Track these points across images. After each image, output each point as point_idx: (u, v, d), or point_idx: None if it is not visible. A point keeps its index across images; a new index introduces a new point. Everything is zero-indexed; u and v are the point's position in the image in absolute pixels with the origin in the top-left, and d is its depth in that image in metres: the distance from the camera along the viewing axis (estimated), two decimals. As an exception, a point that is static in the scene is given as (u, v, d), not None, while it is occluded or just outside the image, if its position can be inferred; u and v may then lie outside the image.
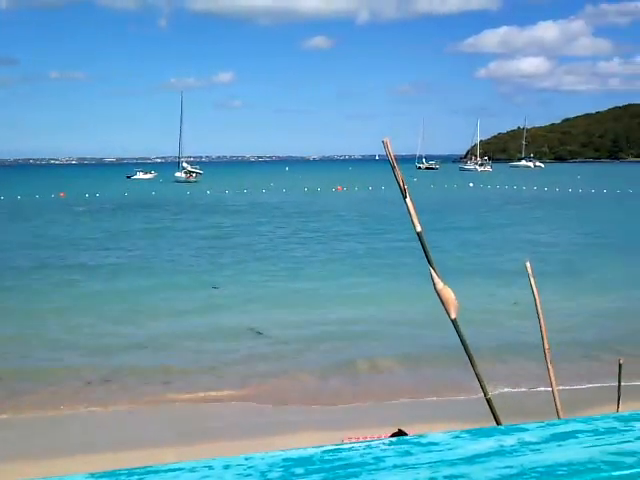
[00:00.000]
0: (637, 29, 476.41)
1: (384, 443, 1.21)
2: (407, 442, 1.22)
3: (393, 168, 3.09)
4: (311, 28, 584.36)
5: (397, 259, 23.67)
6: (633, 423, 1.63)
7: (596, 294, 18.45)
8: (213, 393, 11.66)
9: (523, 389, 11.11)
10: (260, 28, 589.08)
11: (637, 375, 9.05)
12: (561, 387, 10.83)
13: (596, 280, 20.78)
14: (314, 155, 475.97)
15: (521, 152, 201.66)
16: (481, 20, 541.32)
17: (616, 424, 1.63)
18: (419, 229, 3.10)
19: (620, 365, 3.72)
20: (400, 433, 5.83)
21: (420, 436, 1.25)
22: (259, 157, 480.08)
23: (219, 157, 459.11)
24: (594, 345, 13.64)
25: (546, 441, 1.40)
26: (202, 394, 11.58)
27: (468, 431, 1.43)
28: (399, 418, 10.15)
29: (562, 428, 1.54)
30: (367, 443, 1.19)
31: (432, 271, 3.05)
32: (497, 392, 10.86)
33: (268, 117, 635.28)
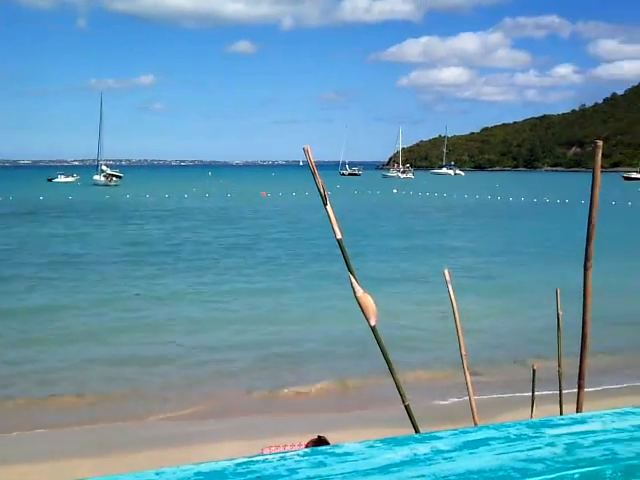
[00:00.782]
0: (552, 42, 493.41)
1: (298, 454, 1.19)
2: (322, 453, 1.22)
3: (314, 175, 3.09)
4: (235, 33, 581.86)
5: (323, 266, 23.70)
6: (543, 429, 1.67)
7: (517, 301, 18.91)
8: (132, 410, 11.35)
9: (445, 395, 11.26)
10: (184, 31, 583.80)
11: (553, 381, 9.28)
12: (491, 395, 11.00)
13: (516, 287, 21.32)
14: (238, 160, 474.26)
15: (442, 160, 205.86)
16: (404, 30, 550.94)
17: (527, 431, 1.66)
18: (339, 236, 3.10)
19: (534, 371, 3.81)
20: (319, 440, 5.85)
21: (335, 446, 1.24)
22: (181, 161, 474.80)
23: (140, 161, 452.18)
24: (515, 351, 13.97)
25: (459, 449, 1.41)
26: (121, 412, 11.24)
27: (383, 440, 1.43)
28: (322, 427, 10.17)
29: (474, 435, 1.56)
30: (282, 454, 1.18)
31: (352, 278, 3.06)
32: (419, 399, 11.00)
33: (191, 121, 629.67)
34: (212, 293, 20.30)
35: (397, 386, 3.07)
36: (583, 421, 1.93)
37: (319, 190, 3.06)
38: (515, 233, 38.63)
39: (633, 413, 2.02)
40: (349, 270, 3.08)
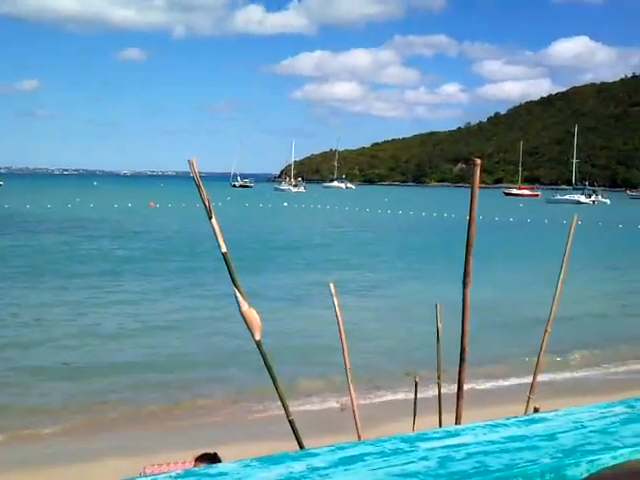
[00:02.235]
0: (441, 61, 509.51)
1: (171, 476, 1.17)
2: (195, 474, 1.19)
3: (199, 188, 3.06)
4: (125, 39, 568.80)
5: (214, 281, 23.41)
6: (417, 443, 1.70)
7: (407, 313, 19.29)
8: (21, 429, 10.82)
9: (331, 408, 11.35)
10: (70, 36, 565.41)
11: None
12: (380, 406, 11.13)
13: (406, 300, 21.77)
14: (125, 170, 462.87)
15: (334, 173, 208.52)
16: (297, 43, 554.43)
17: (402, 445, 1.69)
18: (224, 250, 3.08)
19: (416, 383, 3.89)
20: (207, 456, 5.75)
21: (209, 467, 1.22)
22: (64, 170, 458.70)
23: (22, 169, 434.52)
24: (405, 363, 14.23)
25: (335, 465, 1.41)
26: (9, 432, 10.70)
27: (259, 459, 1.42)
28: (211, 443, 10.04)
29: (351, 451, 1.58)
30: (153, 477, 1.15)
31: (237, 292, 3.04)
32: (306, 411, 11.03)
33: (77, 129, 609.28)
34: (90, 305, 19.70)
35: (281, 401, 3.06)
36: (456, 434, 1.98)
37: (204, 203, 3.03)
38: (405, 247, 39.50)
39: (504, 425, 2.09)
40: (234, 284, 3.05)
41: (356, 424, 3.45)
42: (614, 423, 2.14)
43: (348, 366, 3.50)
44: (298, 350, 14.98)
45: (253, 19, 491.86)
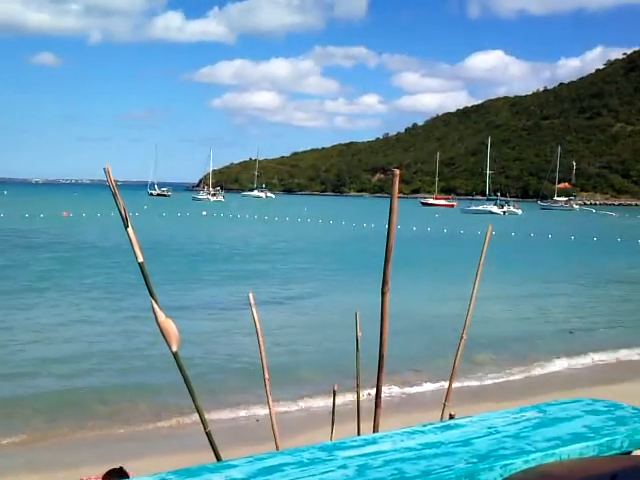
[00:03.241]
0: (360, 72, 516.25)
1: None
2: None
3: (114, 196, 3.00)
4: (38, 44, 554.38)
5: (134, 292, 22.96)
6: (336, 452, 1.71)
7: (331, 322, 19.34)
8: None
9: (250, 418, 11.28)
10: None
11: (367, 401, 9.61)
12: (301, 415, 11.10)
13: (328, 308, 21.83)
14: (37, 178, 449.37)
15: (253, 183, 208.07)
16: (217, 51, 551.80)
17: (320, 454, 1.70)
18: (141, 259, 3.03)
19: (334, 391, 3.90)
20: (113, 471, 5.61)
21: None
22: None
23: None
24: (323, 370, 14.26)
25: (253, 476, 1.40)
26: None
27: (175, 472, 1.39)
28: (124, 456, 9.81)
29: (269, 462, 1.57)
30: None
31: (153, 303, 2.99)
32: (226, 421, 10.93)
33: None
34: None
35: (198, 412, 3.03)
36: (374, 442, 2.00)
37: (120, 212, 2.97)
38: (325, 256, 39.67)
39: (421, 432, 2.12)
40: (151, 295, 3.00)
41: (274, 434, 3.44)
42: (526, 428, 2.21)
43: (266, 376, 3.48)
44: (218, 360, 14.85)
45: (172, 26, 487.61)
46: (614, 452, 1.95)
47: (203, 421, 2.98)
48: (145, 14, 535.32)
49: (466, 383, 13.32)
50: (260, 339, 3.53)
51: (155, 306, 2.97)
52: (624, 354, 16.54)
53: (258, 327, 3.58)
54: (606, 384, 13.71)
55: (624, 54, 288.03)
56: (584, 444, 1.93)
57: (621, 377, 14.52)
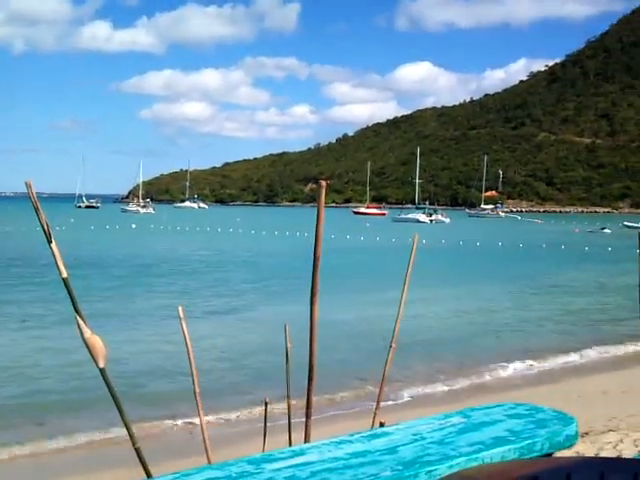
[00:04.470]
0: (291, 83, 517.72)
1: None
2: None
3: (36, 211, 2.94)
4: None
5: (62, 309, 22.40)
6: (264, 465, 1.72)
7: (262, 332, 19.28)
8: None
9: (180, 432, 11.15)
10: None
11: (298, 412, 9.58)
12: (236, 428, 11.00)
13: (263, 321, 21.73)
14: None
15: (184, 193, 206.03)
16: (145, 61, 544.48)
17: (248, 467, 1.71)
18: (65, 275, 2.98)
19: (266, 403, 3.91)
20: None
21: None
22: None
23: None
24: (255, 382, 14.22)
25: (179, 493, 1.40)
26: None
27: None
28: (55, 470, 9.59)
29: (197, 477, 1.57)
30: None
31: (79, 319, 2.95)
32: (154, 436, 10.79)
33: None
34: None
35: (127, 428, 2.99)
36: (302, 453, 2.02)
37: (42, 227, 2.92)
38: (259, 266, 39.58)
39: (348, 441, 2.15)
40: (75, 311, 2.96)
41: (206, 447, 3.42)
42: (451, 433, 2.26)
43: (197, 389, 3.47)
44: (148, 374, 14.63)
45: (100, 35, 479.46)
46: (534, 454, 2.01)
47: (132, 436, 2.95)
48: (72, 23, 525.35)
49: (398, 391, 13.47)
50: (190, 352, 3.50)
51: (80, 322, 2.92)
52: (548, 357, 17.02)
53: (188, 340, 3.56)
54: (530, 387, 14.09)
55: (546, 66, 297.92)
56: (506, 448, 1.99)
57: (545, 380, 14.93)
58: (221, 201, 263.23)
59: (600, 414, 10.84)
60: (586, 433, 9.22)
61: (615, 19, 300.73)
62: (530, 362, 16.42)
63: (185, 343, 3.55)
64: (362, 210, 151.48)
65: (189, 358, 3.48)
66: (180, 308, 3.72)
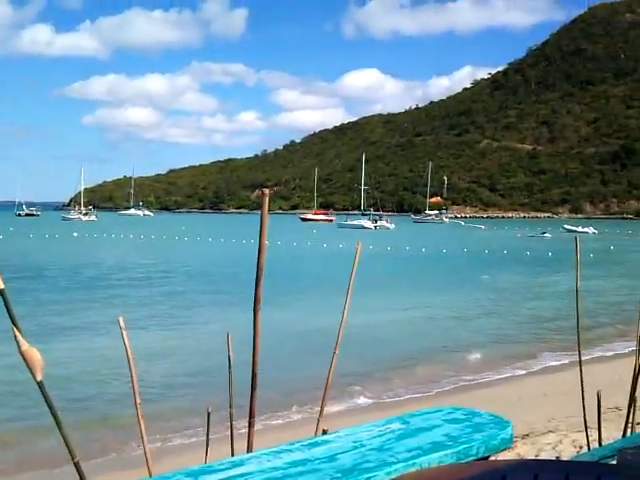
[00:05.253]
0: (239, 89, 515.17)
1: None
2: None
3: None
4: None
5: None
6: (202, 477, 1.72)
7: (207, 341, 19.12)
8: None
9: (124, 445, 10.98)
10: None
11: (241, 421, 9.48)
12: (176, 441, 10.86)
13: (203, 330, 21.58)
14: None
15: (129, 201, 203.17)
16: (89, 66, 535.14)
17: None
18: (2, 286, 2.91)
19: (209, 413, 3.89)
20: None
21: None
22: None
23: None
24: (199, 393, 14.10)
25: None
26: None
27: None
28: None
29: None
30: None
31: (16, 331, 2.89)
32: (95, 451, 10.62)
33: None
34: None
35: (66, 442, 2.93)
36: (241, 463, 2.02)
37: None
38: (204, 275, 39.26)
39: (288, 450, 2.16)
40: (13, 323, 2.89)
41: (147, 459, 3.38)
42: (390, 440, 2.28)
43: (138, 400, 3.43)
44: (89, 386, 14.38)
45: (40, 39, 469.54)
46: (471, 458, 2.05)
47: (71, 451, 2.90)
48: (12, 27, 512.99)
49: (343, 398, 13.52)
50: (131, 363, 3.47)
51: (17, 334, 2.86)
52: (490, 361, 17.31)
53: (129, 352, 3.52)
54: (472, 390, 14.30)
55: (489, 74, 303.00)
56: (443, 452, 2.02)
57: (487, 383, 15.18)
58: (166, 208, 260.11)
59: (540, 416, 11.07)
60: (527, 435, 9.41)
61: (555, 28, 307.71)
62: (473, 366, 16.68)
63: (126, 354, 3.51)
64: (309, 216, 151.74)
65: (130, 369, 3.45)
66: (121, 318, 3.68)
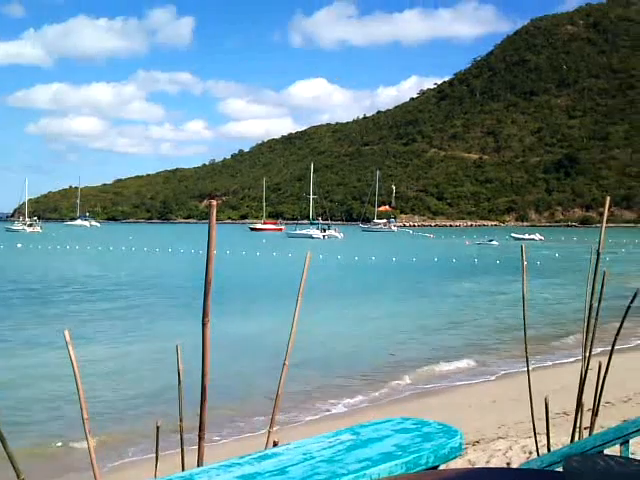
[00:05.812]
0: (186, 98, 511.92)
1: None
2: None
3: None
4: None
5: None
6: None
7: (158, 354, 18.87)
8: None
9: (65, 469, 10.76)
10: None
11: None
12: (126, 458, 10.66)
13: (154, 339, 21.31)
14: None
15: (75, 211, 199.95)
16: (32, 75, 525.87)
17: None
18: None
19: (158, 427, 3.83)
20: None
21: None
22: None
23: None
24: (151, 405, 13.90)
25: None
26: None
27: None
28: None
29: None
30: None
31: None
32: (39, 471, 10.42)
33: None
34: None
35: (10, 460, 2.87)
36: (190, 478, 2.00)
37: None
38: (152, 286, 38.81)
39: (238, 464, 2.14)
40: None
41: (95, 475, 3.32)
42: (340, 451, 2.28)
43: (85, 415, 3.36)
44: (34, 402, 14.05)
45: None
46: (420, 468, 2.06)
47: (16, 469, 2.83)
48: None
49: (294, 409, 13.48)
50: (77, 377, 3.40)
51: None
52: (441, 369, 17.47)
53: (75, 365, 3.45)
54: (425, 398, 14.42)
55: (435, 84, 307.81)
56: (392, 463, 2.02)
57: (438, 391, 15.32)
58: (113, 219, 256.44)
59: (491, 422, 11.21)
60: (477, 441, 9.51)
61: (500, 39, 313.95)
62: (424, 375, 16.81)
63: (72, 368, 3.44)
64: (259, 226, 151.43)
65: (77, 383, 3.38)
66: (66, 332, 3.61)
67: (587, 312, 4.79)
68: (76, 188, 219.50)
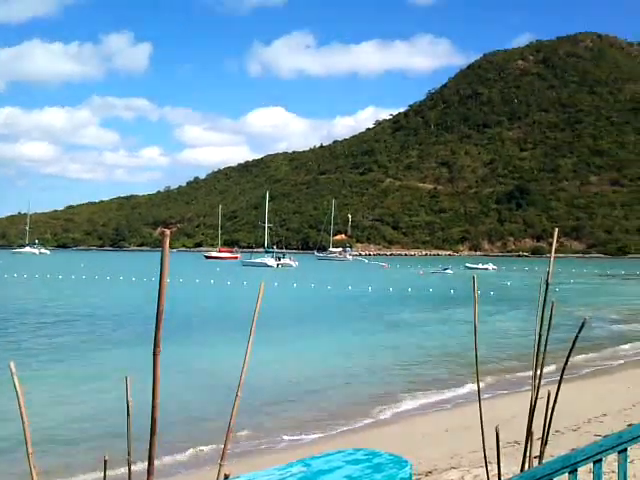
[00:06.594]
0: (141, 124, 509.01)
1: None
2: None
3: None
4: None
5: None
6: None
7: (107, 385, 18.49)
8: None
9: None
10: None
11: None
12: None
13: (94, 375, 20.89)
14: None
15: (24, 238, 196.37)
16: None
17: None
18: None
19: (105, 461, 3.76)
20: None
21: None
22: None
23: None
24: (100, 440, 13.61)
25: None
26: None
27: None
28: None
29: None
30: None
31: None
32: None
33: None
34: None
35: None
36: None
37: None
38: (101, 316, 38.14)
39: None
40: None
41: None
42: (291, 484, 2.27)
43: (30, 450, 3.28)
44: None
45: None
46: (371, 499, 2.06)
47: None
48: None
49: (246, 441, 13.34)
50: (22, 411, 3.31)
51: None
52: (394, 400, 17.49)
53: (20, 398, 3.37)
54: (377, 429, 14.39)
55: (391, 115, 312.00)
56: (343, 495, 2.02)
57: (391, 421, 15.31)
58: (64, 246, 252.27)
59: (443, 452, 11.22)
60: (429, 472, 9.50)
61: (454, 73, 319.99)
62: (378, 404, 16.79)
63: (18, 401, 3.36)
64: (214, 254, 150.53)
65: (22, 417, 3.29)
66: (12, 364, 3.52)
67: (537, 341, 4.86)
68: (25, 214, 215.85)
